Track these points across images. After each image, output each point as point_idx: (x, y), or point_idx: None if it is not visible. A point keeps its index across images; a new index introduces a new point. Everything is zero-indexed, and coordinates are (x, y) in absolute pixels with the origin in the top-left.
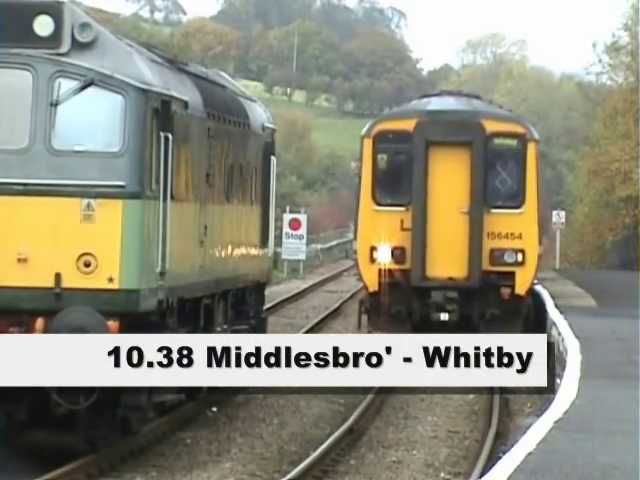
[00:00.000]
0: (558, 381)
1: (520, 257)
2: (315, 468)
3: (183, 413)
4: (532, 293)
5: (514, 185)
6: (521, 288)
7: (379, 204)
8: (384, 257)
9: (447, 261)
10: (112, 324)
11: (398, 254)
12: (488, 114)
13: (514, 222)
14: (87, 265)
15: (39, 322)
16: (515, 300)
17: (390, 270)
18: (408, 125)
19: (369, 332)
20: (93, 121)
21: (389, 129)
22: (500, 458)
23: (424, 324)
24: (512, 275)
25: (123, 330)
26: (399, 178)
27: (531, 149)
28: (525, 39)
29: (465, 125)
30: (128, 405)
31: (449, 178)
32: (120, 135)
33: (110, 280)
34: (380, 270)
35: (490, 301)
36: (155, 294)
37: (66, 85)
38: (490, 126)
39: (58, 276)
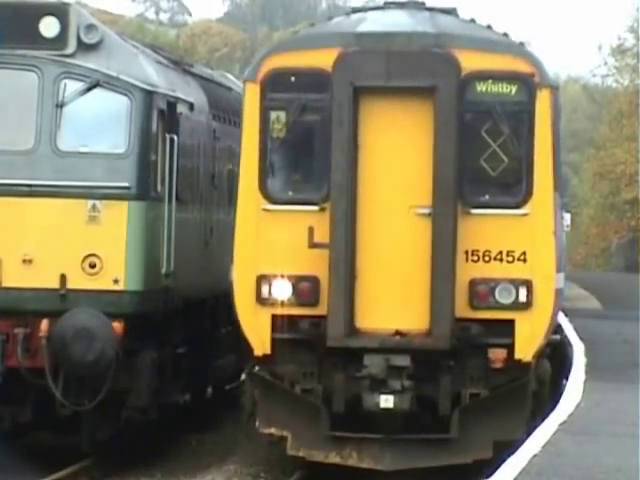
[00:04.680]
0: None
1: (524, 294)
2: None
3: (188, 415)
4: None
5: (513, 165)
6: (525, 349)
7: (272, 201)
8: (281, 294)
9: (393, 302)
10: (117, 325)
11: (305, 290)
12: (466, 40)
13: (513, 232)
14: (92, 266)
15: (44, 323)
16: (515, 370)
17: (292, 317)
18: (324, 59)
19: (269, 437)
20: (99, 122)
21: (290, 67)
22: (505, 460)
23: (352, 414)
24: (509, 326)
25: (128, 331)
26: (308, 154)
27: (543, 101)
28: (530, 41)
29: (425, 59)
30: (132, 406)
31: (396, 153)
32: (125, 136)
33: (115, 281)
34: (274, 318)
35: (470, 373)
36: (160, 295)
37: (72, 86)
38: (470, 61)
39: (63, 277)
